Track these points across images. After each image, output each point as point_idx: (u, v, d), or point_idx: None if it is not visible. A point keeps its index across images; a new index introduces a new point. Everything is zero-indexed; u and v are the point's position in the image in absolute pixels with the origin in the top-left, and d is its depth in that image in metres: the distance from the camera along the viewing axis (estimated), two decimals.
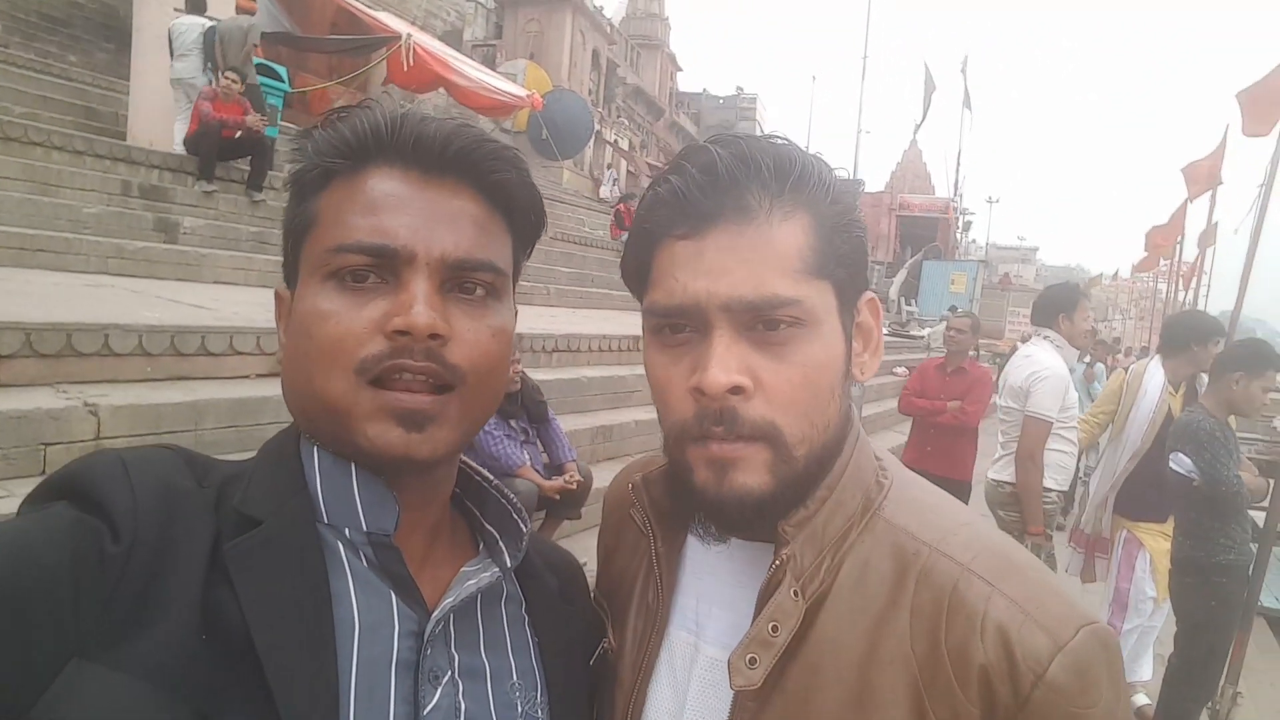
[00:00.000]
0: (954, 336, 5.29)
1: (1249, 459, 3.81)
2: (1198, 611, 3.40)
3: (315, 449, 0.67)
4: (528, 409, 4.19)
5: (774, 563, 0.66)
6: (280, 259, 0.72)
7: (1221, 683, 3.33)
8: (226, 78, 7.67)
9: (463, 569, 0.71)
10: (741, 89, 51.19)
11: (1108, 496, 4.09)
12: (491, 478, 0.79)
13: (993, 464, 4.13)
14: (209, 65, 7.97)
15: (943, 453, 4.98)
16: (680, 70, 41.97)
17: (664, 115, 37.32)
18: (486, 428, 3.66)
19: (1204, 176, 11.47)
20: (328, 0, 11.80)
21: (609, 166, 25.09)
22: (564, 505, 4.15)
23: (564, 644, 0.77)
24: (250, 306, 4.83)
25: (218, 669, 0.54)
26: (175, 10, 8.13)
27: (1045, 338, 3.98)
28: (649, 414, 6.28)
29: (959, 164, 36.59)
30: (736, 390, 0.63)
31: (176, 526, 0.57)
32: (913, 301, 26.70)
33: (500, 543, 0.75)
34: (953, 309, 16.40)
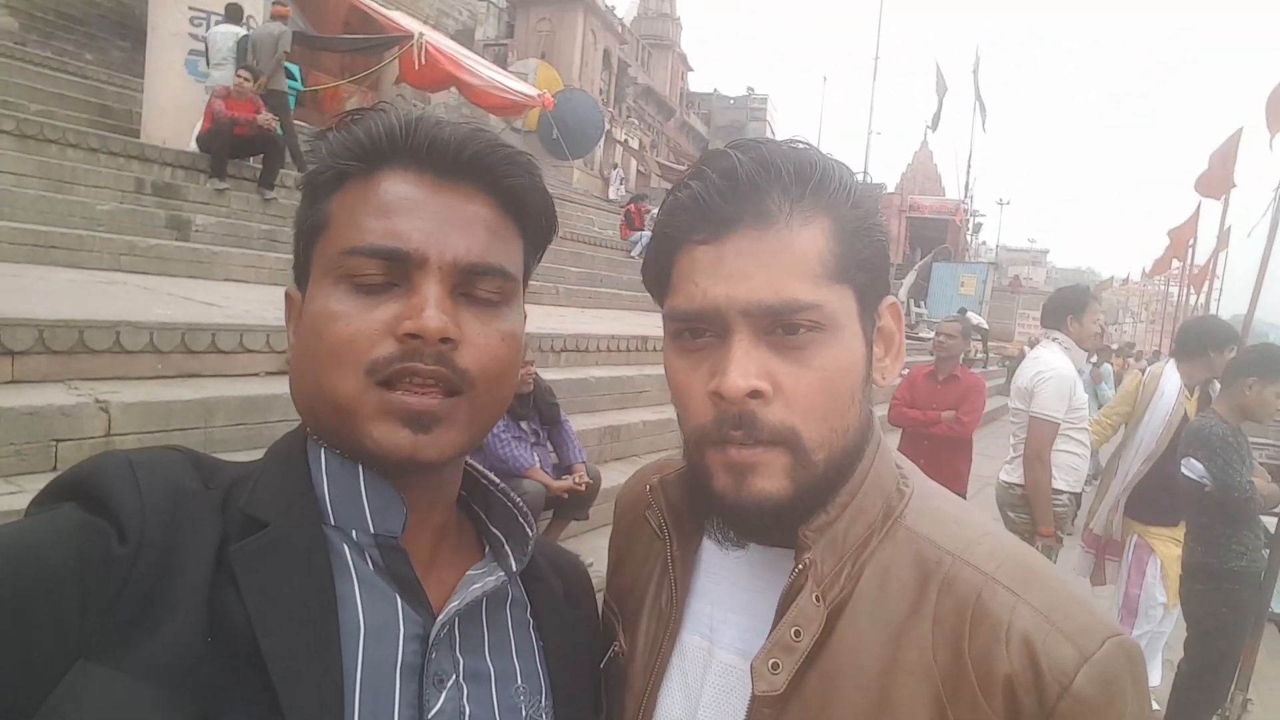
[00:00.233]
0: (943, 342, 5.02)
1: (1261, 464, 3.79)
2: (1209, 618, 3.37)
3: (323, 450, 0.67)
4: (540, 410, 4.19)
5: (796, 567, 0.66)
6: (291, 257, 0.72)
7: (1231, 689, 3.31)
8: (239, 76, 7.72)
9: (468, 572, 0.71)
10: (752, 89, 51.11)
11: (1120, 498, 4.07)
12: (497, 480, 0.79)
13: (1003, 466, 4.14)
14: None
15: (936, 466, 4.67)
16: (691, 70, 41.95)
17: (675, 115, 37.30)
18: (495, 430, 3.67)
19: (1217, 179, 11.39)
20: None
21: (615, 166, 25.12)
22: (572, 506, 4.15)
23: (569, 647, 0.77)
24: (261, 304, 4.85)
25: (223, 671, 0.54)
26: (188, 11, 8.17)
27: (1054, 339, 3.99)
28: (657, 414, 6.29)
29: (970, 165, 36.35)
30: (755, 395, 0.63)
31: (183, 528, 0.57)
32: (922, 303, 26.58)
33: (506, 546, 0.75)
34: (962, 311, 16.37)
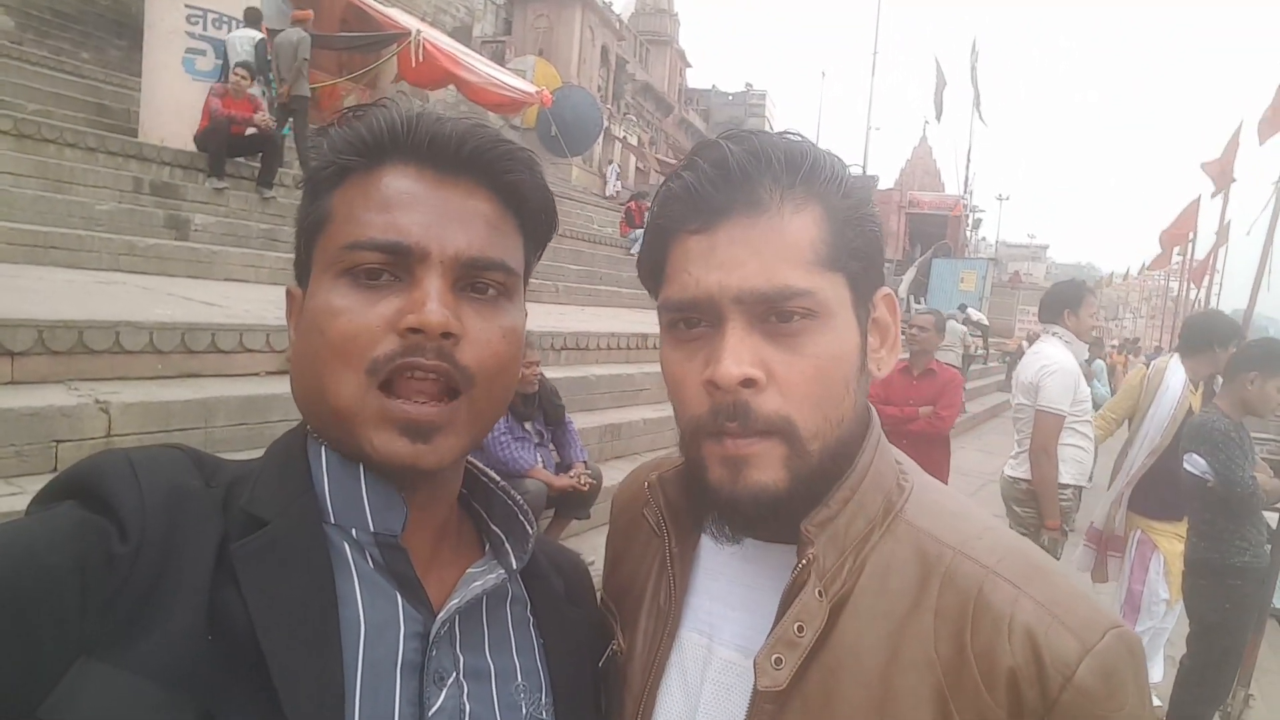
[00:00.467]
0: (916, 335, 4.79)
1: (1264, 459, 3.79)
2: (1211, 613, 3.37)
3: (323, 449, 0.67)
4: (545, 411, 4.18)
5: (799, 563, 0.66)
6: (291, 256, 0.72)
7: (1234, 685, 3.31)
8: (235, 74, 7.72)
9: (468, 570, 0.71)
10: (751, 85, 51.10)
11: (1123, 492, 4.08)
12: (498, 479, 0.79)
13: (1008, 461, 4.17)
14: (261, 76, 8.29)
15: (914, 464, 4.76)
16: (689, 66, 41.88)
17: (673, 112, 37.26)
18: (495, 433, 3.66)
19: (1217, 174, 11.40)
20: None
21: (610, 162, 25.14)
22: (573, 504, 4.14)
23: (570, 645, 0.77)
24: (260, 304, 4.85)
25: (223, 669, 0.54)
26: (184, 9, 8.16)
27: (1054, 334, 4.01)
28: (657, 412, 6.29)
29: (969, 161, 36.33)
30: (749, 383, 0.63)
31: (184, 527, 0.57)
32: (922, 299, 26.59)
33: (506, 544, 0.75)
34: (961, 307, 16.36)
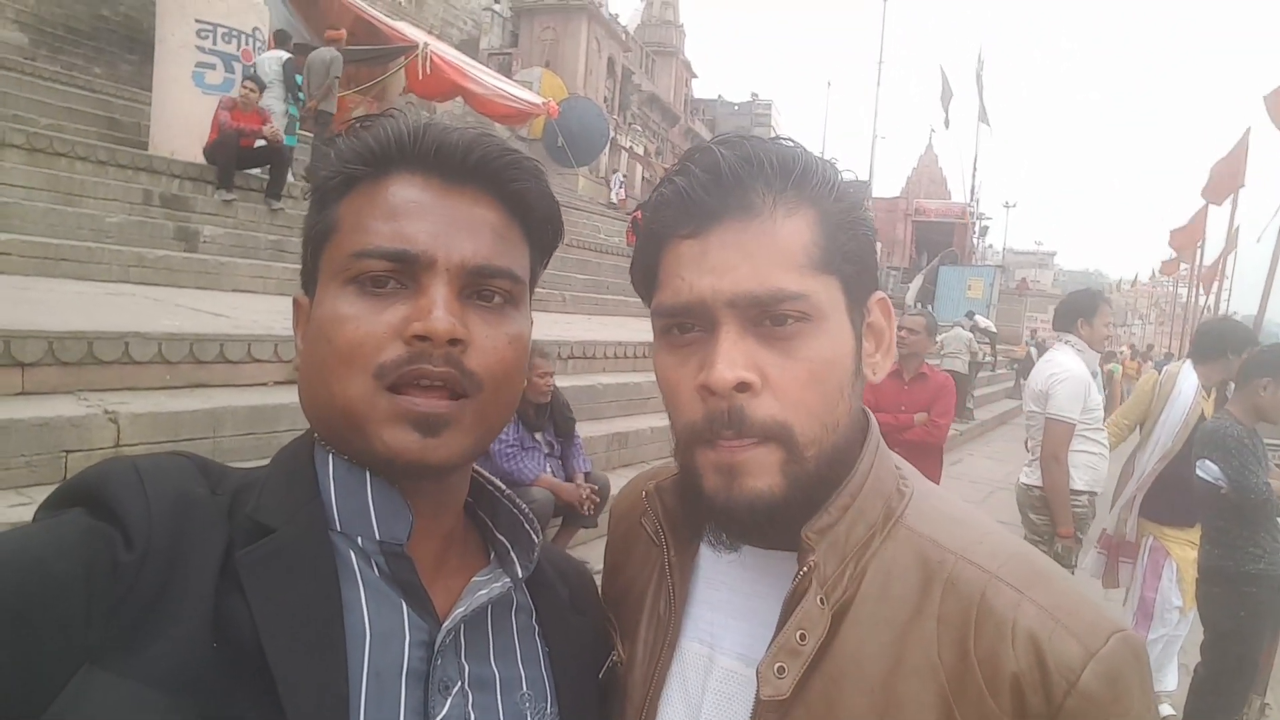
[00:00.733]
0: (905, 338, 4.43)
1: (1277, 465, 3.76)
2: (1226, 621, 3.34)
3: (330, 456, 0.66)
4: (555, 422, 4.18)
5: (800, 570, 0.65)
6: (298, 267, 0.72)
7: (1250, 694, 3.27)
8: (244, 86, 7.79)
9: (474, 579, 0.70)
10: (756, 95, 51.23)
11: (1135, 497, 4.07)
12: (504, 487, 0.78)
13: (1023, 468, 4.17)
14: (290, 94, 8.64)
15: None
16: (695, 77, 42.05)
17: (679, 122, 37.39)
18: (500, 444, 3.66)
19: (1222, 186, 11.36)
20: (346, 10, 11.94)
21: (614, 171, 25.27)
22: (580, 513, 4.14)
23: (575, 654, 0.76)
24: (268, 314, 4.87)
25: (228, 677, 0.53)
26: (195, 24, 8.25)
27: (1066, 342, 4.02)
28: (664, 421, 6.19)
29: (975, 168, 36.33)
30: (743, 387, 0.63)
31: (189, 534, 0.57)
32: (929, 307, 26.55)
33: (512, 553, 0.74)
34: (969, 314, 16.28)
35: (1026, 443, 4.17)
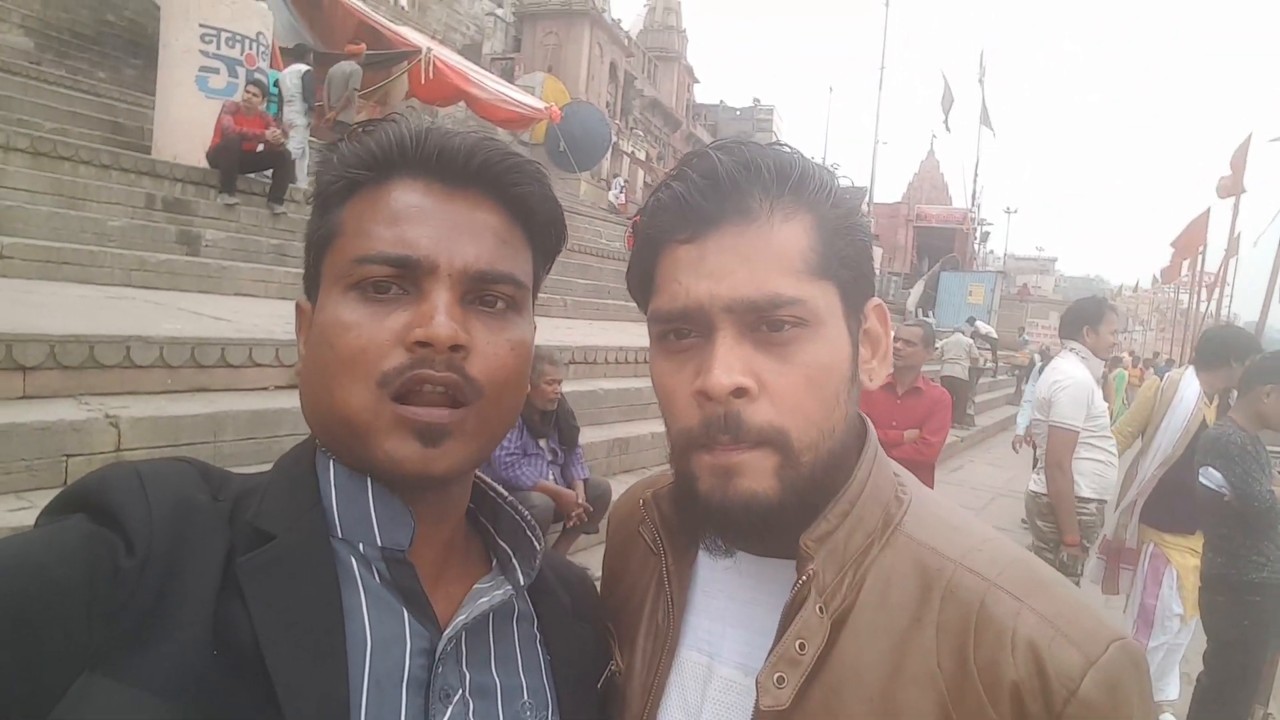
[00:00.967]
0: (900, 349, 4.17)
1: None
2: (1229, 630, 3.32)
3: (331, 463, 0.66)
4: (560, 430, 4.17)
5: (799, 579, 0.65)
6: (300, 271, 0.72)
7: (1253, 704, 3.26)
8: (248, 91, 7.81)
9: (475, 586, 0.70)
10: (759, 100, 51.32)
11: (1135, 503, 4.06)
12: (506, 494, 0.78)
13: (1031, 476, 4.20)
14: (305, 105, 8.93)
15: None
16: (697, 82, 42.11)
17: (681, 127, 37.44)
18: (505, 444, 3.66)
19: (1227, 187, 11.38)
20: (350, 15, 11.98)
21: (615, 175, 25.34)
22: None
23: (576, 663, 0.76)
24: (270, 319, 4.88)
25: (228, 683, 0.53)
26: (199, 29, 8.28)
27: (1071, 349, 4.02)
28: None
29: (976, 174, 36.39)
30: (740, 392, 0.63)
31: (190, 540, 0.57)
32: (930, 313, 26.54)
33: (513, 560, 0.74)
34: (970, 320, 16.29)
35: (1035, 450, 4.19)
